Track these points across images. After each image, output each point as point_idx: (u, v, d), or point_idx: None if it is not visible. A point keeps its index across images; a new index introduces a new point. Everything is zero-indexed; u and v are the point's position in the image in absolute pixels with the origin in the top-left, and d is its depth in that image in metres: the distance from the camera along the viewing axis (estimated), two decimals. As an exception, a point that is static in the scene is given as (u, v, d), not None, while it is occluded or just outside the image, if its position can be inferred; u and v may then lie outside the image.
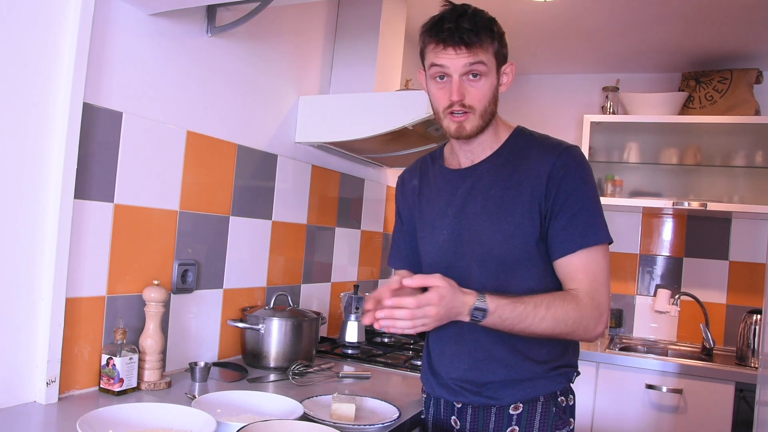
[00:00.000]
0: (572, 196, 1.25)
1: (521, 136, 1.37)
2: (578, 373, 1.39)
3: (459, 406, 1.37)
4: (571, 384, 1.38)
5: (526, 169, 1.29)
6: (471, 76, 1.25)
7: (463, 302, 1.16)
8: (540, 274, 1.29)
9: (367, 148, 2.32)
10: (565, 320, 1.21)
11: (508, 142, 1.36)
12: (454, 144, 1.38)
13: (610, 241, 1.27)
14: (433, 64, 1.26)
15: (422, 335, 2.36)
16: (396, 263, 1.56)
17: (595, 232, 1.25)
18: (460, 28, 1.21)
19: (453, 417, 1.39)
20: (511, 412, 1.31)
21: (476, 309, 1.16)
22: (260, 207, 2.02)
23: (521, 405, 1.31)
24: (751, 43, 2.71)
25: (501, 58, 1.29)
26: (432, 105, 1.33)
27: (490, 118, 1.30)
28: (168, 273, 1.65)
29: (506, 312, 1.18)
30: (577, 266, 1.25)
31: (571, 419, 1.36)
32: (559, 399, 1.33)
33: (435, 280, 1.15)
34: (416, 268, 1.48)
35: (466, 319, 1.17)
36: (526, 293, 1.26)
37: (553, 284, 1.30)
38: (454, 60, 1.23)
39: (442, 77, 1.27)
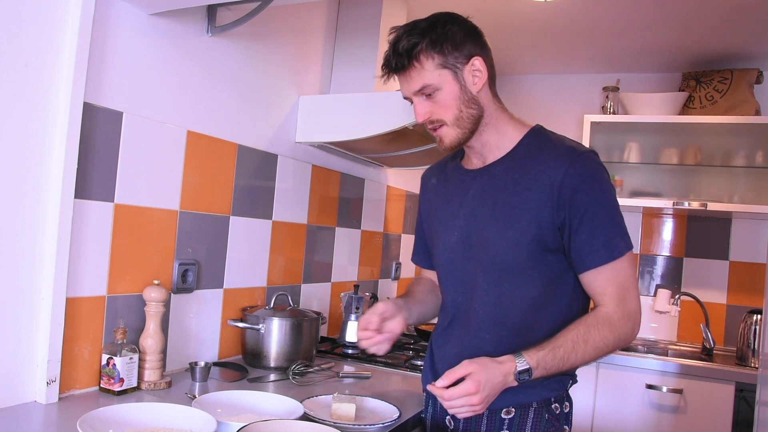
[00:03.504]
0: (591, 207, 1.21)
1: (536, 137, 1.32)
2: (574, 381, 1.36)
3: None
4: (568, 391, 1.35)
5: (536, 173, 1.25)
6: (426, 95, 1.26)
7: (504, 372, 1.16)
8: (544, 283, 1.26)
9: (367, 148, 2.32)
10: (605, 344, 1.22)
11: (522, 142, 1.31)
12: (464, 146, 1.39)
13: (632, 248, 1.26)
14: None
15: (425, 336, 2.37)
16: (418, 259, 1.59)
17: (618, 244, 1.23)
18: (396, 53, 1.24)
19: (448, 417, 1.38)
20: (503, 416, 1.29)
21: (520, 373, 1.17)
22: (260, 207, 2.02)
23: (513, 409, 1.29)
24: (751, 43, 2.71)
25: (455, 63, 1.24)
26: None
27: (470, 123, 1.27)
28: (168, 273, 1.65)
29: (548, 362, 1.18)
30: (605, 279, 1.24)
31: (566, 427, 1.33)
32: (552, 406, 1.30)
33: (463, 369, 1.16)
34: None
35: (515, 384, 1.18)
36: (529, 303, 1.27)
37: (556, 294, 1.28)
38: (403, 85, 1.28)
39: (411, 100, 1.30)
